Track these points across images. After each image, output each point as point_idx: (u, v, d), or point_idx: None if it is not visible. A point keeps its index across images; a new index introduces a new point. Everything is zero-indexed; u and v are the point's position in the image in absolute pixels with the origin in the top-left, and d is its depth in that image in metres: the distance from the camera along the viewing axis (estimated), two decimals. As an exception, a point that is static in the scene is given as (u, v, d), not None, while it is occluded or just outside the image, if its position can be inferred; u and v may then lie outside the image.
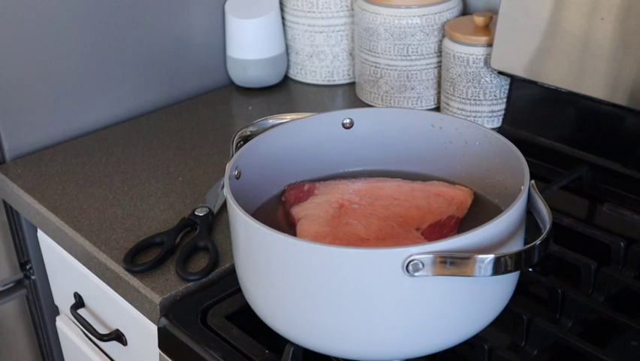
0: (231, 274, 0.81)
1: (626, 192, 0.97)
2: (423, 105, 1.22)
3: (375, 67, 1.22)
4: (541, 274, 0.83)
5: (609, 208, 0.91)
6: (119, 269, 0.91)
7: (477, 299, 0.67)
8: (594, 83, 0.98)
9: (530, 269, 0.82)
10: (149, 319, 0.89)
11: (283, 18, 1.34)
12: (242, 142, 0.80)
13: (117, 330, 1.02)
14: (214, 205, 0.98)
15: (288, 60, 1.37)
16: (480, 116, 1.13)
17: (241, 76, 1.34)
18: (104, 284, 0.96)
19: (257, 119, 0.83)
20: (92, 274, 0.98)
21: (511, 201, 0.68)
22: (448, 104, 1.16)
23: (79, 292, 1.09)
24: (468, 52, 1.10)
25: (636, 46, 0.94)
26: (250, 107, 1.31)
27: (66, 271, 1.09)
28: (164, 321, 0.83)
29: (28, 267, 1.22)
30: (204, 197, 1.02)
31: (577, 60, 1.00)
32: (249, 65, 1.32)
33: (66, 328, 1.20)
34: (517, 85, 1.10)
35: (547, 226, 0.65)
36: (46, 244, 1.13)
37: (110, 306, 1.01)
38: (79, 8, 1.17)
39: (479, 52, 1.10)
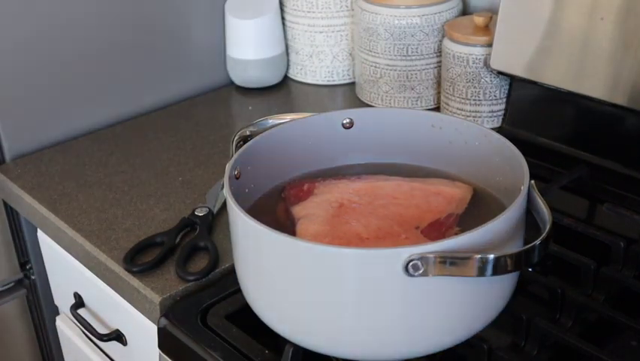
0: (231, 274, 0.81)
1: (626, 192, 0.97)
2: (423, 105, 1.22)
3: (375, 67, 1.22)
4: (541, 274, 0.83)
5: (609, 208, 0.91)
6: (119, 269, 0.91)
7: (477, 299, 0.67)
8: (594, 83, 0.98)
9: (530, 269, 0.82)
10: (149, 319, 0.89)
11: (283, 18, 1.34)
12: (242, 142, 0.80)
13: (117, 330, 1.02)
14: (214, 205, 0.98)
15: (288, 60, 1.37)
16: (480, 116, 1.13)
17: (241, 76, 1.34)
18: (104, 284, 0.96)
19: (257, 119, 0.83)
20: (92, 274, 0.98)
21: (511, 201, 0.68)
22: (447, 104, 1.16)
23: (79, 292, 1.09)
24: (468, 52, 1.10)
25: (636, 46, 0.94)
26: (250, 107, 1.31)
27: (66, 271, 1.09)
28: (164, 321, 0.83)
29: (28, 267, 1.22)
30: (204, 197, 1.02)
31: (577, 60, 1.00)
32: (249, 65, 1.32)
33: (66, 328, 1.20)
34: (517, 85, 1.10)
35: (547, 226, 0.65)
36: (46, 244, 1.13)
37: (110, 306, 1.01)
38: (79, 9, 1.17)
39: (479, 52, 1.09)
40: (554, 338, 0.74)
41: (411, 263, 0.62)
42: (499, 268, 0.62)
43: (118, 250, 0.94)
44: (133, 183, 1.08)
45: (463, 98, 1.13)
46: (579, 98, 1.01)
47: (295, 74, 1.37)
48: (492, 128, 0.93)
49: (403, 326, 0.66)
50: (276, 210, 0.82)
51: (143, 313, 0.90)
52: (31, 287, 1.23)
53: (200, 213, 0.96)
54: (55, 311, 1.24)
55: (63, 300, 1.16)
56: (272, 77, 1.35)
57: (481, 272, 0.61)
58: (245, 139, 0.81)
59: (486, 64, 1.10)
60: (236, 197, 0.70)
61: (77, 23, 1.17)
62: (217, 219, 0.98)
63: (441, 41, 1.18)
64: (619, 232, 0.87)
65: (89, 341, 1.13)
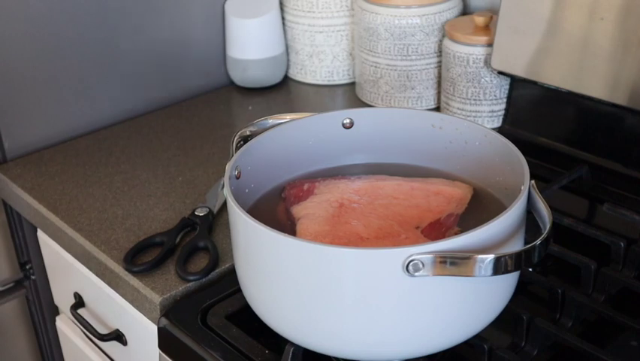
0: (231, 274, 0.81)
1: (626, 192, 0.97)
2: (423, 105, 1.22)
3: (376, 67, 1.22)
4: (541, 274, 0.83)
5: (609, 208, 0.91)
6: (119, 269, 0.91)
7: (477, 299, 0.67)
8: (594, 83, 0.98)
9: (530, 269, 0.82)
10: (149, 319, 0.89)
11: (283, 18, 1.34)
12: (242, 142, 0.80)
13: (117, 330, 1.02)
14: (214, 205, 0.98)
15: (288, 60, 1.37)
16: (480, 116, 1.13)
17: (241, 76, 1.34)
18: (104, 284, 0.96)
19: (257, 119, 0.83)
20: (92, 274, 0.98)
21: (511, 201, 0.68)
22: (448, 104, 1.16)
23: (79, 292, 1.09)
24: (468, 52, 1.10)
25: (636, 46, 0.94)
26: (250, 107, 1.31)
27: (66, 271, 1.09)
28: (164, 321, 0.83)
29: (28, 267, 1.22)
30: (204, 197, 1.02)
31: (577, 60, 1.00)
32: (249, 65, 1.32)
33: (66, 328, 1.20)
34: (517, 85, 1.10)
35: (548, 226, 0.65)
36: (46, 244, 1.13)
37: (110, 306, 1.01)
38: (79, 9, 1.17)
39: (479, 52, 1.10)
40: (554, 338, 0.74)
41: (411, 263, 0.62)
42: (499, 268, 0.62)
43: (118, 250, 0.94)
44: (133, 183, 1.08)
45: (463, 98, 1.13)
46: (579, 98, 1.01)
47: (295, 74, 1.37)
48: (492, 128, 0.93)
49: (403, 326, 0.66)
50: (276, 210, 0.82)
51: (143, 313, 0.90)
52: (31, 287, 1.23)
53: (200, 213, 0.96)
54: (55, 311, 1.24)
55: (63, 300, 1.16)
56: (272, 77, 1.35)
57: (481, 272, 0.61)
58: (245, 139, 0.81)
59: (486, 64, 1.10)
60: (236, 197, 0.70)
61: (77, 23, 1.17)
62: (217, 219, 0.98)
63: (441, 41, 1.18)
64: (619, 232, 0.87)
65: (89, 341, 1.13)
